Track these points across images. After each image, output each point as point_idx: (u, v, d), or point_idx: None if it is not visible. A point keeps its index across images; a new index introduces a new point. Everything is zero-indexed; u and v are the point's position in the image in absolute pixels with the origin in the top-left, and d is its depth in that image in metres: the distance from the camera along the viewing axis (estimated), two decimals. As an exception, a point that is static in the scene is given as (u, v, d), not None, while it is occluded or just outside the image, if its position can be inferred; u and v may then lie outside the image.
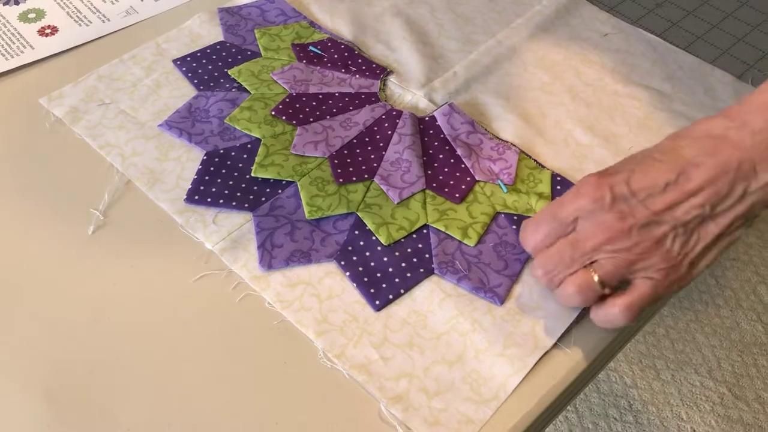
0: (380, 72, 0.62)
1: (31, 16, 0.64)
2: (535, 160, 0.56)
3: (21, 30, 0.62)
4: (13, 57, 0.60)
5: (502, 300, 0.48)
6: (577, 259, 0.43)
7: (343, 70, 0.61)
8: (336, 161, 0.54)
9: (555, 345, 0.46)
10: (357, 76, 0.61)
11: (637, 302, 0.43)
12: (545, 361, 0.45)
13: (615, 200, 0.42)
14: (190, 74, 0.60)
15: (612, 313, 0.43)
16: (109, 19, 0.64)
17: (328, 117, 0.57)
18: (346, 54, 0.63)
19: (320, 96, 0.59)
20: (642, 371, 1.23)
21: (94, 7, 0.65)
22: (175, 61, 0.61)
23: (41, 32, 0.62)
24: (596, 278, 0.43)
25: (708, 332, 1.28)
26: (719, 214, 0.42)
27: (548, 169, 0.55)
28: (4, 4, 0.64)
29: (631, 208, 0.42)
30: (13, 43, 0.61)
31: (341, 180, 0.53)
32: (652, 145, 0.45)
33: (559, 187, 0.54)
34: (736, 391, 1.21)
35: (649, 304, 0.43)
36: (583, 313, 0.47)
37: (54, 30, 0.62)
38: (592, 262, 0.43)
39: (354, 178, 0.53)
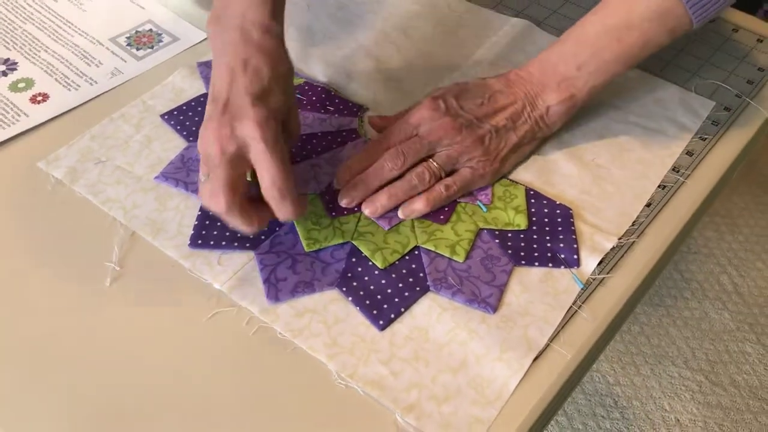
0: (357, 110, 0.66)
1: (21, 85, 0.67)
2: (508, 178, 0.60)
3: (13, 99, 0.65)
4: (9, 126, 0.63)
5: (494, 309, 0.52)
6: (425, 146, 0.57)
7: (322, 111, 0.66)
8: (327, 197, 0.58)
9: (547, 346, 0.50)
10: (336, 115, 0.66)
11: (458, 182, 0.57)
12: (541, 361, 0.49)
13: (448, 109, 0.58)
14: (178, 127, 0.64)
15: (437, 190, 0.57)
16: (96, 82, 0.68)
17: (314, 156, 0.62)
18: (323, 96, 0.67)
19: (304, 137, 0.63)
20: (623, 368, 1.29)
21: (81, 72, 0.68)
22: (162, 115, 0.65)
23: (33, 100, 0.65)
24: (435, 164, 0.57)
25: (680, 325, 1.35)
26: (518, 128, 0.60)
27: (521, 184, 0.60)
28: (-7, 77, 0.68)
29: (460, 114, 0.58)
30: (8, 112, 0.64)
31: (334, 213, 0.57)
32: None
33: (533, 200, 0.59)
34: (712, 377, 1.27)
35: (465, 186, 0.58)
36: (569, 315, 0.52)
37: (45, 97, 0.66)
38: (430, 157, 0.58)
39: (345, 211, 0.57)
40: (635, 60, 0.59)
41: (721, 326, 1.34)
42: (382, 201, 0.56)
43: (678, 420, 1.22)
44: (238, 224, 0.51)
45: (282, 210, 0.51)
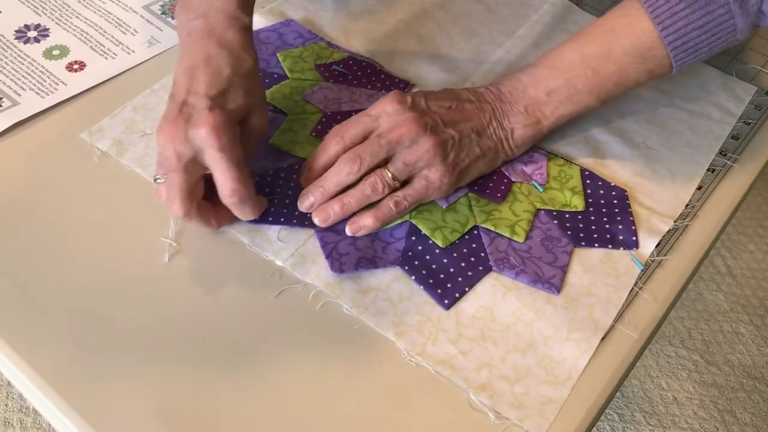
0: (404, 85, 0.65)
1: (56, 53, 0.64)
2: (562, 158, 0.60)
3: (49, 68, 0.63)
4: (48, 95, 0.61)
5: (558, 290, 0.52)
6: (383, 148, 0.53)
7: (368, 86, 0.65)
8: (382, 174, 0.57)
9: (613, 326, 0.51)
10: (383, 90, 0.65)
11: (410, 196, 0.54)
12: (608, 341, 0.50)
13: (414, 105, 0.55)
14: (223, 100, 0.62)
15: (387, 206, 0.53)
16: (133, 51, 0.66)
17: (365, 132, 0.61)
18: (368, 70, 0.66)
19: (353, 113, 0.62)
20: (621, 348, 1.31)
21: (116, 40, 0.66)
22: (205, 88, 0.63)
23: (69, 68, 0.63)
24: (389, 173, 0.53)
25: (676, 305, 1.37)
26: (482, 142, 0.56)
27: (576, 164, 0.60)
28: (25, 43, 0.65)
29: (426, 113, 0.55)
30: (45, 81, 0.62)
31: (390, 191, 0.56)
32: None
33: (588, 181, 0.59)
34: (707, 357, 1.30)
35: (418, 200, 0.54)
36: (631, 296, 0.52)
37: (82, 65, 0.63)
38: (387, 162, 0.54)
39: (402, 189, 0.57)
40: (608, 95, 0.57)
41: (715, 307, 1.38)
42: (335, 209, 0.54)
43: (675, 398, 1.25)
44: (198, 224, 0.52)
45: (241, 213, 0.52)
